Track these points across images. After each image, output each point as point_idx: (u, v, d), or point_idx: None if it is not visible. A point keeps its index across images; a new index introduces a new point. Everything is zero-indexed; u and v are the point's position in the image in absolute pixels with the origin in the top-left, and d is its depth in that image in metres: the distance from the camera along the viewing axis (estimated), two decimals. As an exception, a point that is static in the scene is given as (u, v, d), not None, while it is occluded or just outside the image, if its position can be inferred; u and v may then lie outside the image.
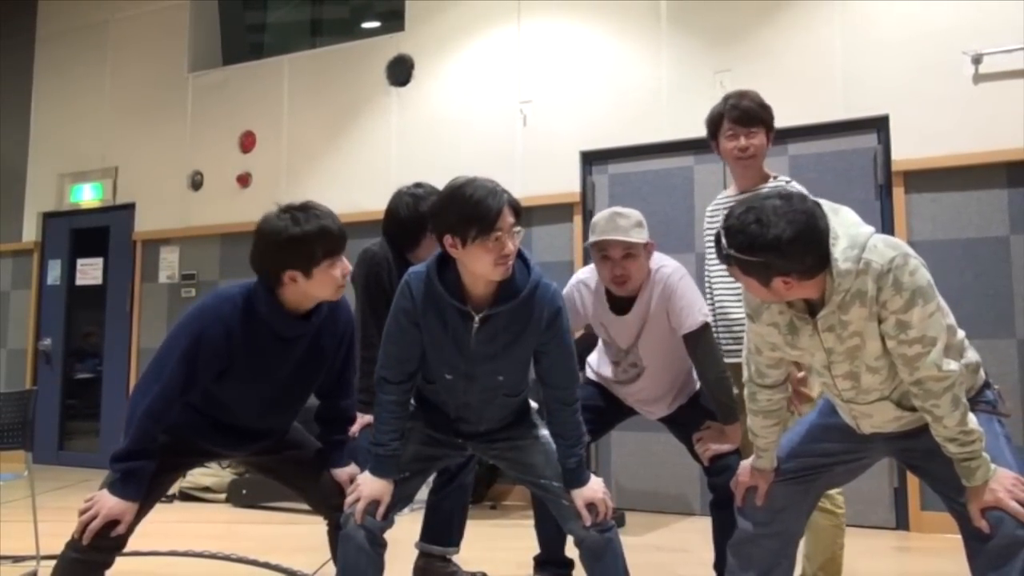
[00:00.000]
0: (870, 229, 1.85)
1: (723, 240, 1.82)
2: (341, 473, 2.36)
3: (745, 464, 2.17)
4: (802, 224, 1.76)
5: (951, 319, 1.91)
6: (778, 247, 1.74)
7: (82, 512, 2.02)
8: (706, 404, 2.72)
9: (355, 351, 2.46)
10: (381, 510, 2.12)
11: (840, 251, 1.79)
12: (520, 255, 2.14)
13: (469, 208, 2.02)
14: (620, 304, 2.67)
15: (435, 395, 2.27)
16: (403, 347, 2.17)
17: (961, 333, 1.96)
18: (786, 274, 1.77)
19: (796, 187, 2.58)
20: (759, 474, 2.12)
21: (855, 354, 1.87)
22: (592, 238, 2.59)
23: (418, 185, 2.95)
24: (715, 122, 2.70)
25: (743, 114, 2.61)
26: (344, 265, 2.17)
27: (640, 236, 2.56)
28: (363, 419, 2.63)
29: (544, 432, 2.29)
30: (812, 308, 1.89)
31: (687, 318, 2.56)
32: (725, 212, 2.71)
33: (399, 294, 2.17)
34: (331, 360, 2.35)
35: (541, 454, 2.25)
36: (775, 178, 2.69)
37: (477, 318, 2.10)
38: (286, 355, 2.23)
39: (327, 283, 2.15)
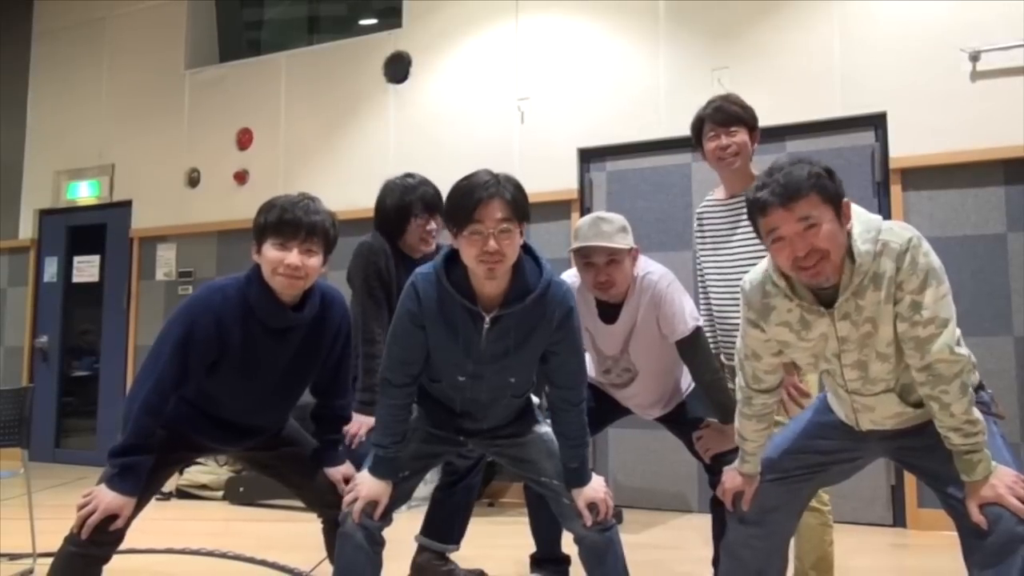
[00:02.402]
0: (879, 215, 1.87)
1: (783, 184, 1.79)
2: (335, 472, 2.36)
3: (730, 470, 2.15)
4: (822, 164, 1.84)
5: None
6: (827, 169, 1.82)
7: (80, 507, 2.02)
8: (697, 403, 2.71)
9: (351, 349, 2.45)
10: (379, 511, 2.11)
11: (857, 234, 1.80)
12: (531, 253, 2.12)
13: (455, 198, 2.02)
14: (608, 312, 2.65)
15: (441, 392, 2.24)
16: (407, 349, 2.13)
17: (957, 331, 1.96)
18: (843, 195, 1.83)
19: None
20: (745, 479, 2.10)
21: (866, 341, 1.86)
22: (575, 244, 2.55)
23: (407, 175, 2.95)
24: (698, 126, 2.70)
25: (722, 114, 2.62)
26: (291, 256, 2.11)
27: (624, 242, 2.52)
28: (367, 421, 2.57)
29: (546, 429, 2.27)
30: (821, 299, 1.88)
31: (678, 324, 2.54)
32: (716, 214, 2.73)
33: (405, 295, 2.12)
34: (325, 357, 2.34)
35: (543, 452, 2.24)
36: None
37: (488, 318, 2.07)
38: (278, 349, 2.22)
39: (267, 262, 2.14)
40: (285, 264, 2.11)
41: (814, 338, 1.92)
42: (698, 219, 2.80)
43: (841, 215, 1.81)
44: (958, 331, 1.92)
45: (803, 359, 2.03)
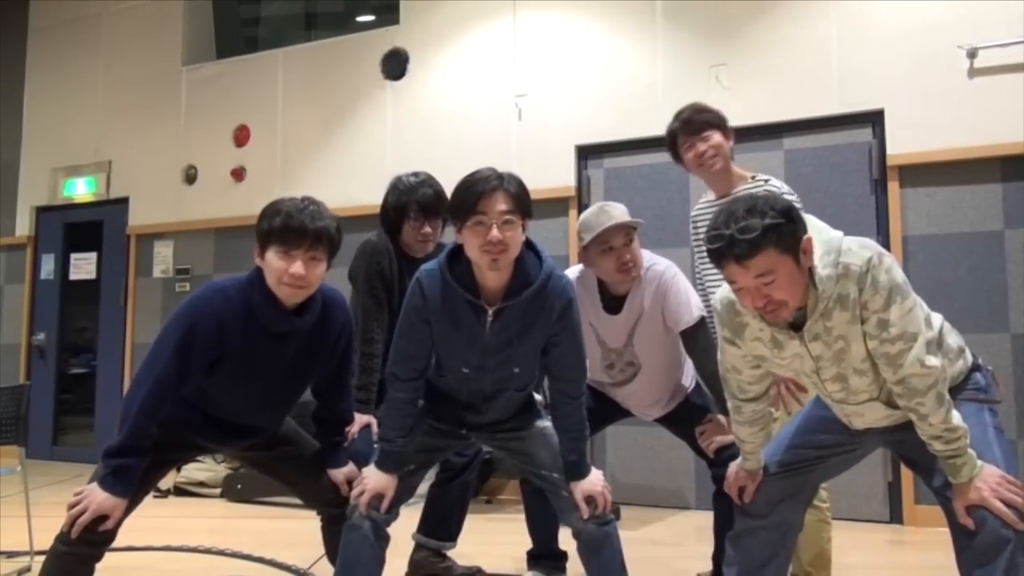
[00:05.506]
0: (839, 232, 1.86)
1: (738, 241, 1.73)
2: (337, 474, 2.36)
3: (733, 467, 2.18)
4: (783, 200, 1.81)
5: (926, 310, 1.92)
6: (784, 212, 1.75)
7: (71, 506, 2.01)
8: (698, 400, 2.72)
9: (352, 352, 2.45)
10: (385, 503, 2.14)
11: (818, 258, 1.79)
12: (532, 246, 2.16)
13: (459, 192, 2.06)
14: (612, 303, 2.66)
15: (447, 385, 2.26)
16: (413, 344, 2.17)
17: (938, 320, 1.96)
18: (803, 233, 1.78)
19: (775, 185, 2.59)
20: (747, 475, 2.13)
21: (841, 357, 1.88)
22: (590, 235, 2.56)
23: (413, 174, 2.95)
24: (672, 141, 2.74)
25: (693, 125, 2.67)
26: (295, 266, 2.08)
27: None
28: (361, 419, 2.60)
29: (547, 424, 2.30)
30: (792, 324, 1.89)
31: (684, 314, 2.57)
32: (709, 217, 2.71)
33: (410, 292, 2.15)
34: (325, 360, 2.33)
35: (543, 445, 2.26)
36: (753, 178, 2.68)
37: (491, 311, 2.09)
38: (278, 352, 2.22)
39: (271, 271, 2.12)
40: (290, 274, 2.09)
41: (788, 357, 1.94)
42: (692, 222, 2.83)
43: (801, 255, 1.77)
44: (939, 318, 1.93)
45: (783, 373, 2.05)
